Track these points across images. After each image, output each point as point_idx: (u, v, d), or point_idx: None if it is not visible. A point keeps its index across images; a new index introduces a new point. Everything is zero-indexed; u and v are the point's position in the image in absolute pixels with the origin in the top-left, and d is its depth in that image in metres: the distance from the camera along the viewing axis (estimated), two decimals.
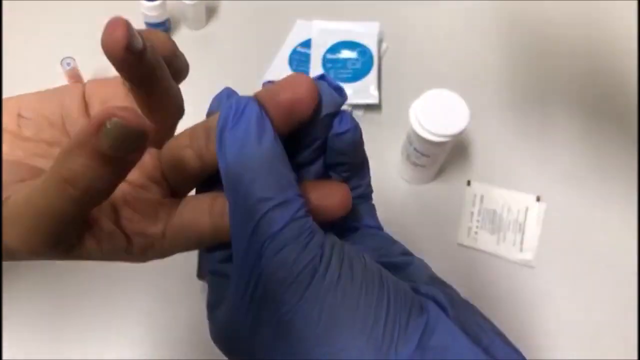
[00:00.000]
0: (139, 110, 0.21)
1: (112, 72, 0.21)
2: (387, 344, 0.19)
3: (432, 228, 0.56)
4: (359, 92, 0.62)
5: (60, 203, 0.19)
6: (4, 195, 0.21)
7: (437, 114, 0.50)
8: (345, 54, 0.65)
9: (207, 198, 0.23)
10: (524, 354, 0.21)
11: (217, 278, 0.24)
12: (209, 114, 0.23)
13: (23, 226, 0.20)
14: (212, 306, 0.24)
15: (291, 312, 0.20)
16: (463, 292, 0.22)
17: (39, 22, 0.67)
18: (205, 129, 0.22)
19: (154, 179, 0.24)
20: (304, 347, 0.20)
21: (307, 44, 0.66)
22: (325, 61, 0.65)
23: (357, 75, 0.63)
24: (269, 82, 0.23)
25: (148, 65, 0.20)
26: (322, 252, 0.20)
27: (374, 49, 0.65)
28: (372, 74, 0.63)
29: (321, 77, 0.23)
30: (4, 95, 0.25)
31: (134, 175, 0.23)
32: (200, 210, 0.23)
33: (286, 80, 0.21)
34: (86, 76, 0.61)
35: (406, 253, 0.24)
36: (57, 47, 0.61)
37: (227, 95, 0.23)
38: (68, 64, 0.58)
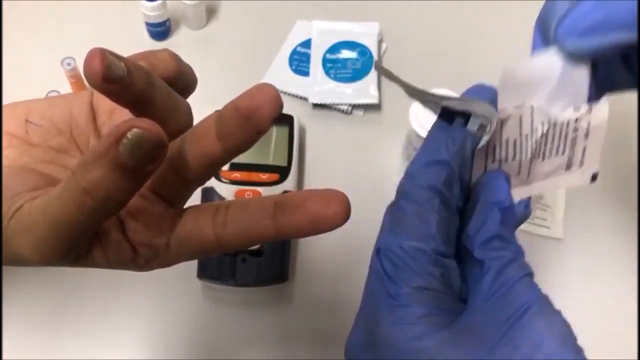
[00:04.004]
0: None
1: None
2: None
3: None
4: (359, 92, 0.62)
5: (78, 214, 0.19)
6: (19, 203, 0.21)
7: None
8: (345, 54, 0.65)
9: (209, 208, 0.23)
10: None
11: None
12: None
13: (37, 235, 0.20)
14: None
15: None
16: None
17: (39, 22, 0.67)
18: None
19: (155, 190, 0.24)
20: None
21: (307, 44, 0.66)
22: (325, 61, 0.65)
23: (357, 75, 0.63)
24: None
25: (135, 90, 0.20)
26: None
27: (374, 49, 0.65)
28: (372, 74, 0.63)
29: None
30: (5, 96, 0.25)
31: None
32: (203, 221, 0.23)
33: (250, 88, 0.21)
34: None
35: None
36: (57, 47, 0.61)
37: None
38: (69, 64, 0.58)
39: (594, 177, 0.27)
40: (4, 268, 0.51)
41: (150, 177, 0.23)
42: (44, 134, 0.25)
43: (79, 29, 0.66)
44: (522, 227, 0.55)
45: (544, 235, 0.56)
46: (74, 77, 0.59)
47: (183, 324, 0.50)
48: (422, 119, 0.50)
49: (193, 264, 0.52)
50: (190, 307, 0.51)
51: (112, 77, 0.19)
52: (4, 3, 0.66)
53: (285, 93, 0.63)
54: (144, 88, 0.21)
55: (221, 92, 0.63)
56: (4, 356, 0.48)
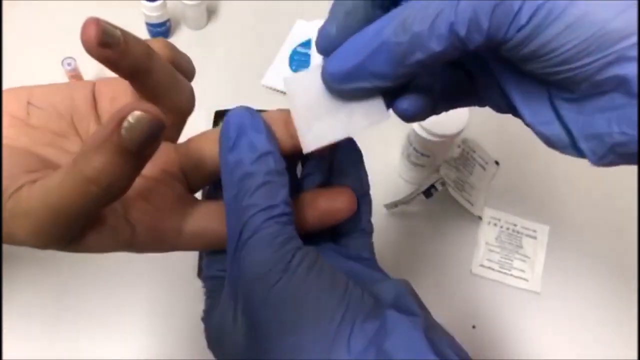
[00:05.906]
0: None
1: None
2: (340, 339, 0.21)
3: (431, 225, 0.56)
4: None
5: (81, 202, 0.20)
6: (16, 185, 0.21)
7: None
8: None
9: (222, 206, 0.24)
10: None
11: (215, 281, 0.25)
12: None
13: (36, 222, 0.20)
14: (208, 310, 0.25)
15: (259, 307, 0.21)
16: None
17: (39, 22, 0.67)
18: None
19: (174, 175, 0.25)
20: (266, 340, 0.21)
21: (307, 44, 0.67)
22: None
23: None
24: (261, 110, 0.24)
25: (132, 58, 0.21)
26: (294, 255, 0.21)
27: None
28: None
29: None
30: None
31: (153, 170, 0.24)
32: (216, 216, 0.24)
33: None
34: (87, 76, 0.61)
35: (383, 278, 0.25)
36: (58, 47, 0.61)
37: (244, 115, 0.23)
38: (69, 64, 0.58)
39: None
40: (4, 266, 0.51)
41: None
42: (45, 117, 0.25)
43: (79, 29, 0.66)
44: (499, 278, 0.54)
45: (521, 288, 0.54)
46: (74, 77, 0.59)
47: (183, 324, 0.50)
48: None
49: (193, 264, 0.52)
50: (190, 306, 0.51)
51: (108, 42, 0.19)
52: (4, 3, 0.67)
53: (285, 93, 0.63)
54: (141, 59, 0.21)
55: (221, 92, 0.63)
56: (4, 356, 0.48)
